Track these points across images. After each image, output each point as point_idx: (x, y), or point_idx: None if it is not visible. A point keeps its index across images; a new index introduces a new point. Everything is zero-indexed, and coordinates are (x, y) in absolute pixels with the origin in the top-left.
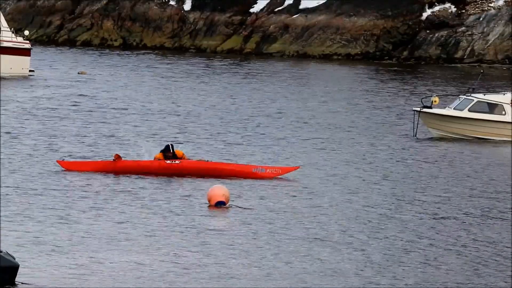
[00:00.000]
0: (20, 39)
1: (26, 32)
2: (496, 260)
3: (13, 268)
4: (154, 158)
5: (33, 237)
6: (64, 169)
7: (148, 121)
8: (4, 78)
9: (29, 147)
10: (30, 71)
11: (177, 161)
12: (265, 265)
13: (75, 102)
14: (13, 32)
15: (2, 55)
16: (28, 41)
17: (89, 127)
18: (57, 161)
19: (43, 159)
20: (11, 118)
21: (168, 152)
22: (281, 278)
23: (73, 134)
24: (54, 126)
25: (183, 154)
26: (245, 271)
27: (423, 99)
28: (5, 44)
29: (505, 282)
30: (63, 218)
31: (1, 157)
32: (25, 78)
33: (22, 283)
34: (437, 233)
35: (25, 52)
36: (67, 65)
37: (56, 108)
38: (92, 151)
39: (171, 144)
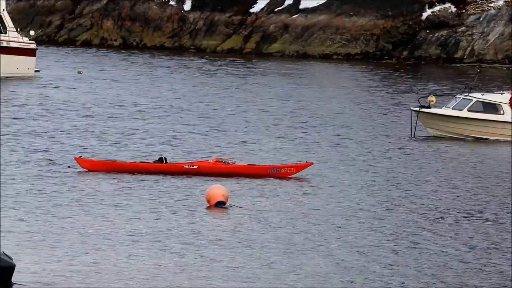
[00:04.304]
0: (25, 39)
1: (32, 32)
2: (495, 260)
3: (9, 268)
4: None
5: (31, 237)
6: (81, 166)
7: (150, 121)
8: (11, 78)
9: (31, 147)
10: (35, 71)
11: (195, 166)
12: (266, 265)
13: (82, 101)
14: (18, 33)
15: (8, 55)
16: (33, 41)
17: (95, 127)
18: (75, 158)
19: (44, 160)
20: (14, 117)
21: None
22: (281, 278)
23: (81, 134)
24: (61, 126)
25: None
26: (246, 271)
27: (420, 99)
28: (11, 45)
29: (505, 282)
30: (62, 218)
31: (2, 156)
32: (31, 78)
33: (18, 283)
34: (436, 233)
35: (31, 52)
36: (69, 65)
37: (64, 108)
38: (106, 151)
39: (165, 157)
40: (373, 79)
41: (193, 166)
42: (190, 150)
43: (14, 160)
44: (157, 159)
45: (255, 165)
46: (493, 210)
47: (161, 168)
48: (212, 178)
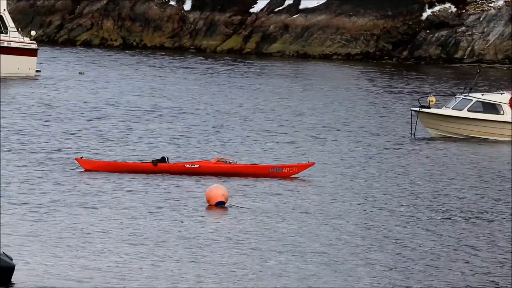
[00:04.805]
0: (26, 39)
1: (33, 33)
2: (495, 260)
3: (9, 269)
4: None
5: (30, 237)
6: (82, 167)
7: (152, 121)
8: (12, 78)
9: (36, 146)
10: (36, 71)
11: (196, 165)
12: (266, 265)
13: (84, 101)
14: (19, 33)
15: (9, 55)
16: (34, 42)
17: (96, 127)
18: (76, 159)
19: (44, 160)
20: (18, 117)
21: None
22: (282, 278)
23: (84, 135)
24: (62, 126)
25: None
26: (247, 271)
27: (420, 99)
28: (12, 45)
29: (505, 282)
30: (63, 218)
31: (3, 156)
32: (32, 78)
33: (17, 283)
34: (435, 233)
35: (31, 52)
36: (70, 65)
37: (65, 108)
38: (109, 151)
39: (167, 157)
40: (373, 79)
41: (194, 166)
42: (192, 149)
43: (14, 160)
44: (159, 158)
45: (257, 164)
46: (493, 209)
47: (162, 168)
48: (213, 178)
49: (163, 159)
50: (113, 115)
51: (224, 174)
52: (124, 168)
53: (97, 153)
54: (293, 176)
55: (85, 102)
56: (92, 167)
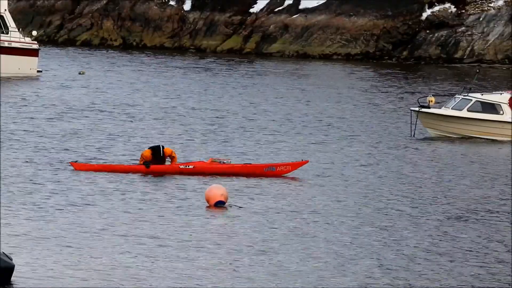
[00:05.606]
0: (28, 39)
1: (34, 33)
2: (495, 260)
3: (9, 269)
4: (142, 155)
5: (30, 237)
6: (75, 170)
7: (148, 121)
8: (13, 78)
9: (37, 148)
10: (38, 71)
11: (190, 166)
12: (266, 264)
13: (84, 101)
14: (20, 33)
15: (10, 56)
16: (35, 42)
17: (96, 127)
18: (70, 163)
19: (45, 160)
20: (19, 117)
21: (157, 153)
22: (283, 277)
23: (85, 136)
24: (62, 126)
25: (172, 152)
26: (246, 270)
27: (420, 99)
28: (13, 45)
29: (505, 282)
30: (62, 218)
31: (3, 156)
32: (33, 78)
33: (17, 284)
34: (433, 233)
35: (33, 52)
36: (70, 65)
37: (66, 108)
38: (105, 153)
39: (162, 146)
40: (373, 79)
41: (188, 167)
42: (189, 149)
43: (14, 160)
44: (154, 145)
45: (251, 164)
46: (493, 209)
47: (156, 170)
48: (209, 178)
49: (157, 148)
50: (113, 115)
51: (219, 174)
52: (118, 171)
53: (96, 153)
54: (288, 174)
55: (85, 102)
56: (86, 170)
